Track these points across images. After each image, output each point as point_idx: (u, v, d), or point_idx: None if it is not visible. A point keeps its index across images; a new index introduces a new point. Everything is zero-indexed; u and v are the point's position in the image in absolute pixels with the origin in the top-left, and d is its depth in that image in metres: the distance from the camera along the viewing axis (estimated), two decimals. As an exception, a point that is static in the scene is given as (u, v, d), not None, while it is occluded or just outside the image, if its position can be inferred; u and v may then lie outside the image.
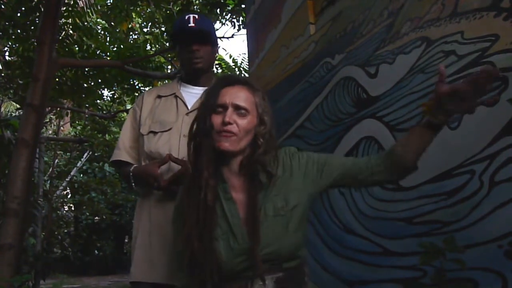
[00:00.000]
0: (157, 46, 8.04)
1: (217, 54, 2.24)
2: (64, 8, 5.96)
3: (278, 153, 1.41)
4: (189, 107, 1.94)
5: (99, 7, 7.84)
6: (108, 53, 7.42)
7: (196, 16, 1.98)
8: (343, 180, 1.43)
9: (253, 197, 1.33)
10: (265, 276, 1.28)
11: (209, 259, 1.27)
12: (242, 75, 9.56)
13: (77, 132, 12.73)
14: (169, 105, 1.98)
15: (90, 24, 7.39)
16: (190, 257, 1.29)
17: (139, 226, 1.89)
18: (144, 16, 8.59)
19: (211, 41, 2.02)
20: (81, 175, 13.31)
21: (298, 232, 1.35)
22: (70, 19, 6.36)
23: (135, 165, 1.90)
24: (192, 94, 1.99)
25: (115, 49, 7.56)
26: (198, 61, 1.95)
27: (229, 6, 7.36)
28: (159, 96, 2.02)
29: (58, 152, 11.79)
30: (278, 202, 1.35)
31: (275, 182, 1.37)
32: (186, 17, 1.98)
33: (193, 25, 1.95)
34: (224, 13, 7.71)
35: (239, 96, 1.36)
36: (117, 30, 8.16)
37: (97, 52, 7.20)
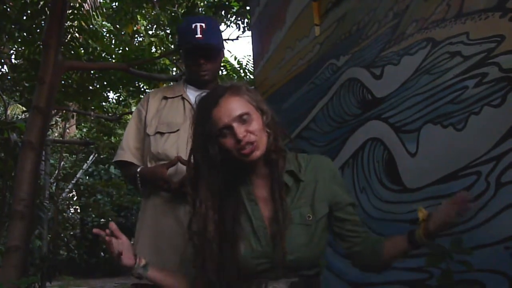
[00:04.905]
0: (162, 48, 8.06)
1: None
2: (70, 11, 5.98)
3: (299, 156, 1.40)
4: None
5: (104, 10, 7.86)
6: (113, 56, 7.44)
7: (204, 25, 1.90)
8: (338, 225, 1.41)
9: (278, 202, 1.31)
10: (281, 279, 1.29)
11: (229, 258, 1.26)
12: (247, 77, 9.53)
13: (83, 135, 12.74)
14: (175, 107, 1.96)
15: (96, 27, 7.41)
16: (208, 256, 1.27)
17: (142, 228, 1.87)
18: (149, 18, 8.60)
19: (219, 54, 1.99)
20: (87, 178, 13.34)
21: (321, 242, 1.35)
22: (75, 22, 6.37)
23: (141, 166, 1.88)
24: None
25: (120, 51, 7.57)
26: (204, 73, 1.93)
27: (234, 8, 7.36)
28: (165, 98, 2.00)
29: (64, 155, 11.81)
30: (305, 211, 1.33)
31: (304, 189, 1.36)
32: (193, 25, 1.90)
33: (201, 36, 1.88)
34: (229, 15, 7.72)
35: (231, 108, 1.29)
36: (123, 33, 8.17)
37: (103, 55, 7.20)
